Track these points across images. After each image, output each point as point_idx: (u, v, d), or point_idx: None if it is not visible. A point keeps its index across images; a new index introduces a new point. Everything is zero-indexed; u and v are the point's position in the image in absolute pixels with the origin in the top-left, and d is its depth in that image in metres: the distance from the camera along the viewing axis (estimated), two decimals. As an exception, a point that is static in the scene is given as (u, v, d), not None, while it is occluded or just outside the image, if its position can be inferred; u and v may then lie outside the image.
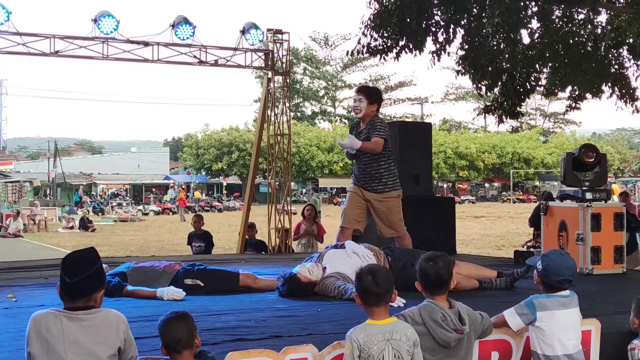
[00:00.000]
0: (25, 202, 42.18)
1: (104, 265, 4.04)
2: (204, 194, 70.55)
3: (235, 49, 13.81)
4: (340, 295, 6.40)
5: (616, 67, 14.27)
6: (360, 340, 3.92)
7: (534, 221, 12.26)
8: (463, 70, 14.23)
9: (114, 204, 57.20)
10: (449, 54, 13.72)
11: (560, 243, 8.69)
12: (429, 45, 13.51)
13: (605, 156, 9.22)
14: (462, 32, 13.69)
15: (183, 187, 65.76)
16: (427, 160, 12.54)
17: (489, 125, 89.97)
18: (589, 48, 13.87)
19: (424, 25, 13.20)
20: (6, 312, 5.99)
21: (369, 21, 13.16)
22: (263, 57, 14.19)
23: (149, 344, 4.37)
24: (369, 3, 13.21)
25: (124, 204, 56.84)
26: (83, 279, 3.74)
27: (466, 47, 13.82)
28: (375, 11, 13.04)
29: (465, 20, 13.45)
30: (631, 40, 13.11)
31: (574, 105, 15.08)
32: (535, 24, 13.75)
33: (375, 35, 13.22)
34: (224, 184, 75.80)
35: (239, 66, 14.10)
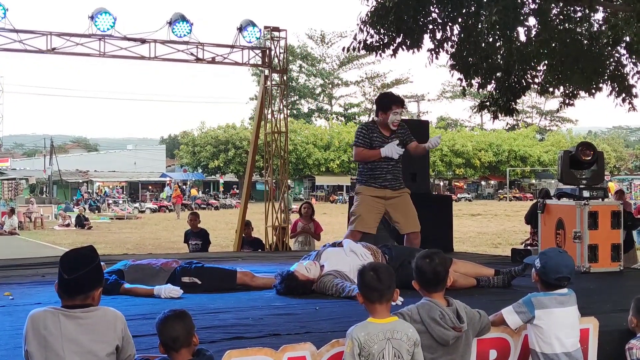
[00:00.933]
0: (21, 199, 42.12)
1: (102, 263, 4.03)
2: (200, 192, 70.54)
3: (232, 47, 13.82)
4: (338, 293, 6.39)
5: (613, 65, 14.26)
6: (360, 339, 3.91)
7: (530, 218, 12.27)
8: (457, 67, 14.20)
9: (110, 201, 57.12)
10: (447, 51, 13.71)
11: (557, 241, 8.69)
12: (427, 42, 13.50)
13: (603, 154, 9.22)
14: (459, 29, 13.67)
15: (179, 184, 65.75)
16: (424, 158, 12.51)
17: (486, 123, 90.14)
18: (585, 46, 13.86)
19: (421, 23, 13.18)
20: (3, 310, 5.97)
21: (366, 17, 13.14)
22: (260, 54, 14.20)
23: (147, 342, 4.36)
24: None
25: (121, 202, 56.80)
26: (81, 276, 3.74)
27: (458, 44, 13.78)
28: (373, 8, 13.02)
29: (462, 18, 13.42)
30: (628, 38, 13.11)
31: (567, 101, 15.09)
32: (532, 21, 13.74)
33: (372, 32, 13.20)
34: (221, 181, 75.77)
35: (236, 64, 14.10)
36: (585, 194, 8.64)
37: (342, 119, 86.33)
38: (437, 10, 13.35)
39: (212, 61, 13.88)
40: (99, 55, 13.07)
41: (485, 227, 32.38)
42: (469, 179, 79.77)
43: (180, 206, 46.92)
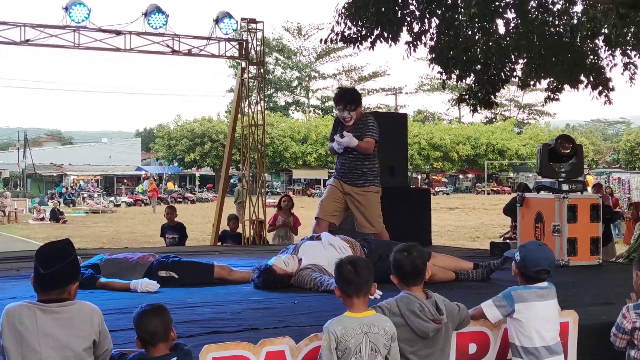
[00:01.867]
0: (-5, 193, 41.77)
1: (78, 257, 3.97)
2: (176, 186, 70.30)
3: (208, 39, 13.73)
4: (317, 287, 6.37)
5: (592, 57, 14.31)
6: (337, 333, 3.89)
7: (509, 211, 12.21)
8: (435, 60, 14.19)
9: (85, 195, 56.77)
10: (425, 44, 13.69)
11: (536, 234, 8.70)
12: (404, 35, 13.49)
13: (582, 147, 9.24)
14: (437, 22, 13.65)
15: (155, 178, 65.46)
16: (402, 152, 12.51)
17: (464, 117, 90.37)
18: (565, 39, 13.90)
19: (399, 15, 13.16)
20: (-24, 305, 5.88)
21: (343, 9, 13.11)
22: (237, 46, 14.10)
23: (123, 336, 4.33)
24: None
25: (96, 195, 56.48)
26: (57, 270, 3.71)
27: (437, 37, 13.78)
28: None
29: (440, 10, 13.41)
30: (606, 30, 13.16)
31: (552, 96, 15.12)
32: (510, 14, 13.76)
33: (350, 24, 13.17)
34: (197, 175, 75.56)
35: (213, 56, 14.00)
36: (565, 187, 8.66)
37: (319, 112, 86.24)
38: (415, 3, 13.33)
39: (189, 53, 13.77)
40: (73, 47, 12.92)
41: (464, 220, 32.54)
42: (446, 173, 79.98)
43: (156, 200, 46.75)
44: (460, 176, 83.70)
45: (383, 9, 12.69)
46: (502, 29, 13.90)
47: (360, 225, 8.30)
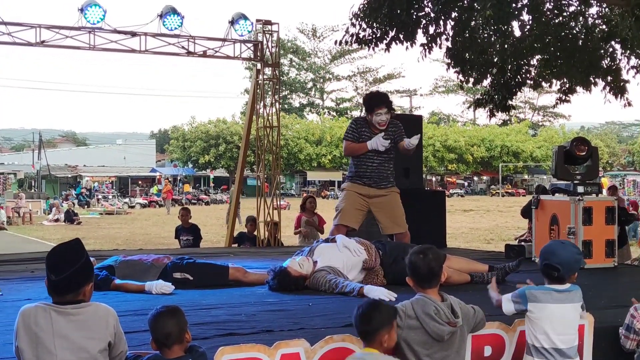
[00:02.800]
0: (10, 194, 41.87)
1: (92, 259, 3.96)
2: (191, 187, 70.38)
3: (224, 40, 13.74)
4: (332, 289, 6.35)
5: (608, 60, 14.23)
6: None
7: (526, 213, 12.12)
8: (452, 63, 14.16)
9: (100, 196, 56.90)
10: (440, 46, 13.65)
11: (551, 237, 8.66)
12: (420, 37, 13.45)
13: (597, 149, 9.19)
14: (452, 24, 13.62)
15: (169, 179, 65.57)
16: (417, 153, 12.45)
17: (478, 119, 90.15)
18: (580, 41, 13.83)
19: (414, 17, 13.13)
20: (-8, 306, 5.91)
21: (358, 11, 13.09)
22: (252, 48, 14.12)
23: (138, 338, 4.33)
24: None
25: (110, 197, 56.61)
26: (69, 275, 3.68)
27: (453, 39, 13.74)
28: (365, 1, 12.96)
29: (456, 13, 13.37)
30: (623, 33, 13.08)
31: (564, 98, 15.05)
32: (526, 16, 13.70)
33: (365, 26, 13.15)
34: (211, 176, 75.65)
35: (228, 57, 14.01)
36: (580, 189, 8.62)
37: (334, 113, 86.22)
38: (430, 5, 13.30)
39: (204, 55, 13.79)
40: (88, 49, 12.96)
41: (478, 222, 32.45)
42: (461, 175, 79.79)
43: (170, 201, 46.82)
44: (475, 178, 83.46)
45: (398, 10, 12.67)
46: (517, 32, 13.83)
47: (386, 227, 8.21)
